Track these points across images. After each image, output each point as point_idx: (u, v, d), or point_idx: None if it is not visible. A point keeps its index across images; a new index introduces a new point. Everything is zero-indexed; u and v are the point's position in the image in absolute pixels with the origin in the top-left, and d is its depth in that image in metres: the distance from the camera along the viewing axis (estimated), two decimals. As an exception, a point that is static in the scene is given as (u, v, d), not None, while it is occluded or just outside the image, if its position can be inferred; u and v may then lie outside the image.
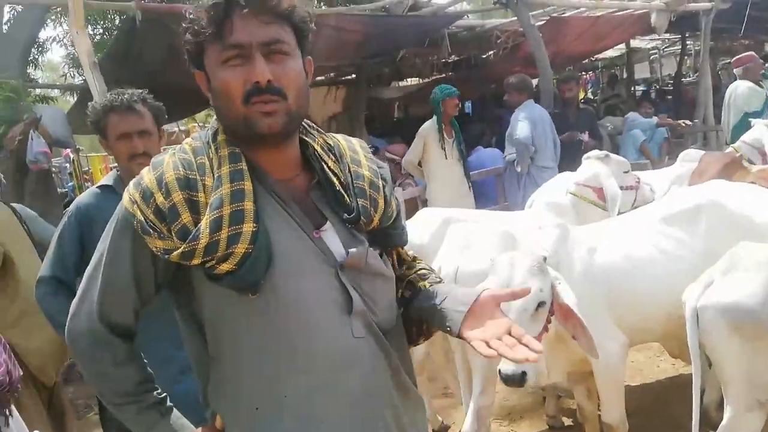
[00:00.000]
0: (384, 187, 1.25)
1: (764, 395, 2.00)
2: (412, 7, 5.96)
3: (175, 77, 5.67)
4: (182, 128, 12.40)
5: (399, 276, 1.32)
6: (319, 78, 8.70)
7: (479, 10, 7.64)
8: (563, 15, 6.92)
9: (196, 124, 11.75)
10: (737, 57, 5.74)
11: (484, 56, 8.82)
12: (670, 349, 2.73)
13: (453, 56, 8.49)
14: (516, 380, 1.94)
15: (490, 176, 5.68)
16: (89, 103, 2.22)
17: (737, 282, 1.96)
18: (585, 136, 5.27)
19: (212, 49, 1.11)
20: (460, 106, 5.24)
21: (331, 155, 1.23)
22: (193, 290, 1.13)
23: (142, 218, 1.09)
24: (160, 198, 1.08)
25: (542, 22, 6.39)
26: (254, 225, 1.07)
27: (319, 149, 1.23)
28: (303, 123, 1.23)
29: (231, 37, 1.09)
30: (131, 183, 1.15)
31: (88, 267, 1.22)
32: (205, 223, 1.05)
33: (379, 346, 1.19)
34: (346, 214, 1.18)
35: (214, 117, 1.22)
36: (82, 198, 2.21)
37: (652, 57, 15.54)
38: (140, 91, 2.17)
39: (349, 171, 1.22)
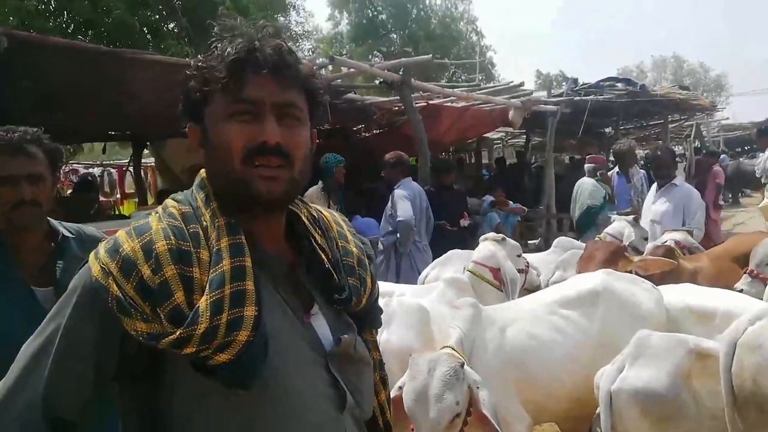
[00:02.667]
0: (369, 265, 1.20)
1: (667, 476, 2.17)
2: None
3: (32, 115, 5.13)
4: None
5: None
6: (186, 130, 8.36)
7: (364, 86, 7.93)
8: (437, 102, 7.45)
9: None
10: (591, 156, 6.58)
11: (355, 128, 9.14)
12: (565, 428, 2.88)
13: (327, 125, 8.68)
14: None
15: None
16: None
17: (647, 368, 2.15)
18: (466, 222, 5.62)
19: (219, 101, 1.01)
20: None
21: (317, 229, 1.15)
22: (161, 381, 0.96)
23: (120, 294, 0.92)
24: (146, 272, 0.92)
25: (420, 106, 6.81)
26: (256, 309, 0.94)
27: (306, 221, 1.14)
28: None
29: (244, 91, 1.00)
30: (101, 249, 0.97)
31: (26, 349, 1.00)
32: (204, 305, 0.91)
33: None
34: (336, 295, 1.10)
35: (198, 177, 1.09)
36: None
37: (495, 146, 17.19)
38: (34, 129, 1.89)
39: (337, 246, 1.15)
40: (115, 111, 5.63)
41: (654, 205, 4.67)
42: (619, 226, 3.98)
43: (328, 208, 4.45)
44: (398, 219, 4.98)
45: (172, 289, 0.92)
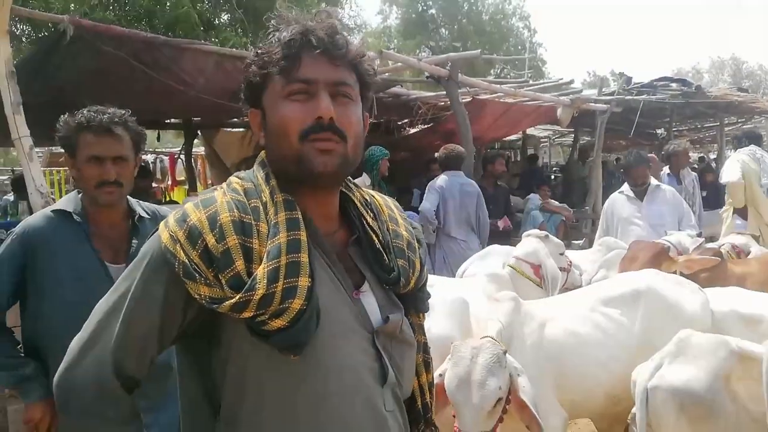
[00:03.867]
0: (419, 249, 1.24)
1: (702, 475, 2.15)
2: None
3: (88, 99, 5.36)
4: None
5: None
6: (236, 120, 8.57)
7: (410, 81, 7.97)
8: (482, 97, 7.41)
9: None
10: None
11: (399, 123, 9.18)
12: (600, 427, 2.87)
13: (371, 119, 8.72)
14: None
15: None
16: (61, 117, 2.01)
17: (686, 367, 2.13)
18: (507, 226, 5.59)
19: (276, 83, 1.09)
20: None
21: (369, 211, 1.20)
22: (218, 344, 1.04)
23: (186, 260, 0.99)
24: (211, 240, 0.99)
25: (465, 101, 6.79)
26: (309, 280, 1.01)
27: (358, 204, 1.20)
28: None
29: (299, 72, 1.07)
30: (171, 218, 1.05)
31: (99, 307, 1.09)
32: (262, 273, 0.98)
33: (402, 420, 1.16)
34: (385, 275, 1.15)
35: (259, 158, 1.17)
36: (33, 221, 1.98)
37: (541, 144, 16.93)
38: (122, 111, 1.99)
39: (388, 229, 1.20)
40: (170, 98, 5.82)
41: (648, 209, 4.59)
42: (681, 238, 3.81)
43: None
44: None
45: (233, 258, 0.99)
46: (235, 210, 1.03)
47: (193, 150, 9.91)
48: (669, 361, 2.18)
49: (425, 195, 5.11)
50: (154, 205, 2.18)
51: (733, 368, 2.15)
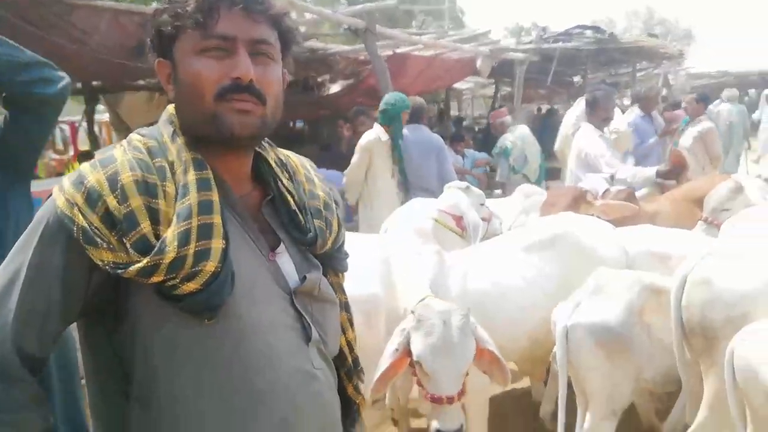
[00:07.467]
0: (336, 209, 1.22)
1: (619, 405, 2.25)
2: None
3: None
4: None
5: None
6: (141, 82, 8.07)
7: (328, 34, 7.72)
8: (402, 50, 7.29)
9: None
10: (495, 111, 6.87)
11: (319, 79, 8.93)
12: (523, 369, 2.94)
13: (291, 76, 8.44)
14: None
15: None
16: None
17: (603, 304, 2.19)
18: None
19: (190, 36, 1.00)
20: None
21: (284, 172, 1.16)
22: (125, 313, 0.96)
23: (86, 224, 0.92)
24: (112, 202, 0.93)
25: (386, 55, 6.66)
26: (223, 242, 0.96)
27: (273, 164, 1.15)
28: None
29: (217, 26, 0.99)
30: (66, 181, 0.97)
31: None
32: (171, 235, 0.93)
33: (331, 376, 1.15)
34: (301, 236, 1.12)
35: (165, 113, 1.09)
36: None
37: (464, 97, 17.07)
38: None
39: (304, 190, 1.16)
40: (64, 59, 5.36)
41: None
42: (595, 183, 3.81)
43: (392, 157, 3.99)
44: None
45: (138, 220, 0.93)
46: (138, 169, 0.97)
47: (96, 116, 9.31)
48: (586, 299, 2.24)
49: None
50: None
51: (647, 302, 2.24)
